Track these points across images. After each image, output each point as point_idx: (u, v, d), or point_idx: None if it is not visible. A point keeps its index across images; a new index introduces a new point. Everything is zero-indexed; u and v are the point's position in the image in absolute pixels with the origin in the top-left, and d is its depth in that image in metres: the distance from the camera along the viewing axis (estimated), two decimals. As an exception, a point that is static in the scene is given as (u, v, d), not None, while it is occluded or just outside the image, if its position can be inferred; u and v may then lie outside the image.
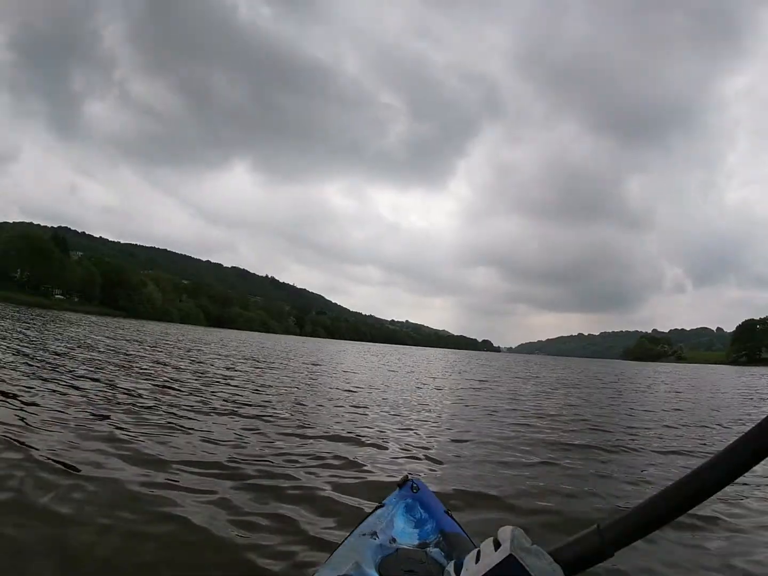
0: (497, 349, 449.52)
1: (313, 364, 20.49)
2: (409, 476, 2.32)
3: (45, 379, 7.88)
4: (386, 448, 5.81)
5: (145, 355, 15.66)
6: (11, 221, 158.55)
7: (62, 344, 15.24)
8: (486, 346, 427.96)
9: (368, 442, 6.03)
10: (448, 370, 26.18)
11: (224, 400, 8.04)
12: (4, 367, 8.56)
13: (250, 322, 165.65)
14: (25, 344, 13.53)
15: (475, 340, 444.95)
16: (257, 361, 18.62)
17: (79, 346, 15.28)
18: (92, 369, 10.16)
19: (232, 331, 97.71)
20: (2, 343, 12.84)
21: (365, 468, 4.87)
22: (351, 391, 11.73)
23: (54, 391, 7.04)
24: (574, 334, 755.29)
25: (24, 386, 7.07)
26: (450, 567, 0.86)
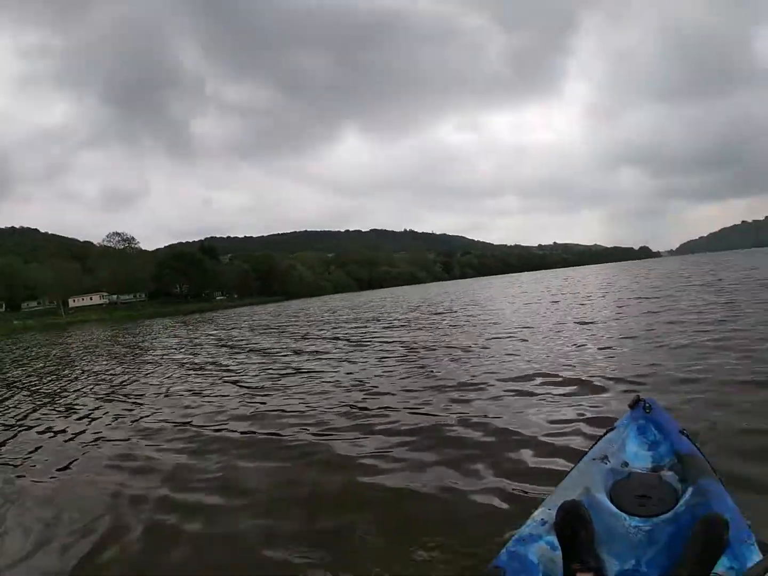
0: (657, 255, 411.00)
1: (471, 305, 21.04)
2: (641, 396, 2.29)
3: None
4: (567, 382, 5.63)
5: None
6: (163, 246, 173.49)
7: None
8: (644, 253, 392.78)
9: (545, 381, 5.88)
10: (600, 292, 22.23)
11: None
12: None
13: (399, 278, 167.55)
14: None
15: (631, 248, 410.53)
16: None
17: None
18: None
19: (384, 290, 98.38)
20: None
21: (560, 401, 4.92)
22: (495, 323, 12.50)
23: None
24: (737, 223, 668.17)
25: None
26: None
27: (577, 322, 10.89)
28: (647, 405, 2.18)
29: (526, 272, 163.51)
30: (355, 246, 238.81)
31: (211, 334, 18.88)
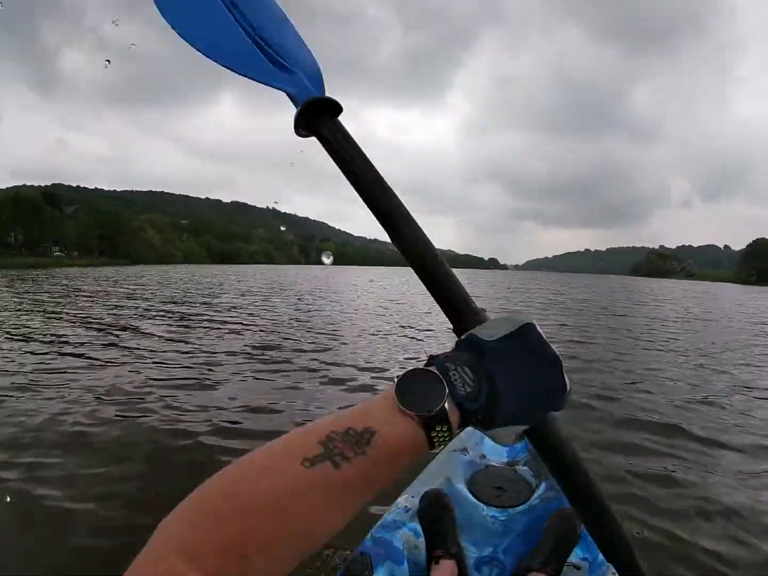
0: (504, 267, 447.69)
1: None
2: None
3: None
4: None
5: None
6: (3, 187, 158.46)
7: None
8: (492, 264, 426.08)
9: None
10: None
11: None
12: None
13: (254, 256, 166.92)
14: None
15: (482, 258, 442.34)
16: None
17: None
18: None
19: (235, 266, 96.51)
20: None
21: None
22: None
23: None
24: (581, 250, 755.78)
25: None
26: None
27: (413, 336, 10.01)
28: None
29: (383, 267, 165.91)
30: (213, 216, 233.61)
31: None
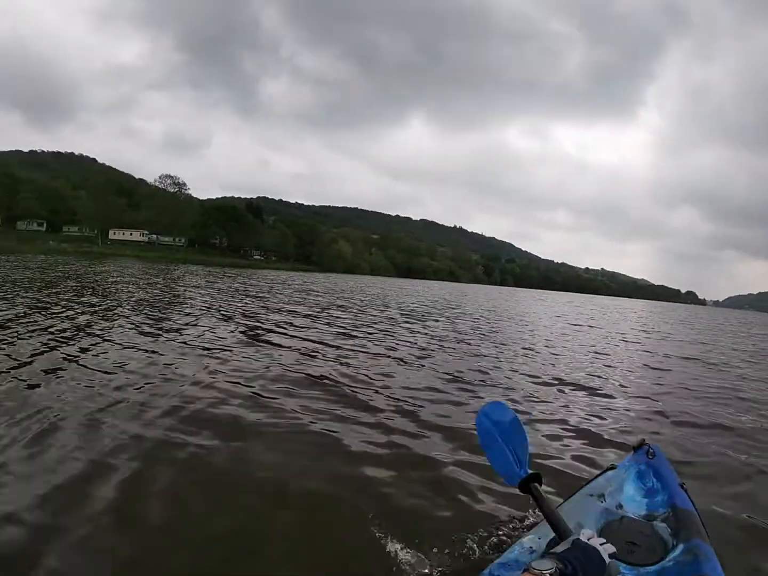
0: (702, 302, 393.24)
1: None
2: (646, 440, 2.24)
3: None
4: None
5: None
6: (214, 197, 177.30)
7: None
8: (690, 297, 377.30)
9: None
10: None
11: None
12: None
13: (438, 272, 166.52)
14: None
15: (678, 290, 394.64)
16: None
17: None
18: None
19: (418, 281, 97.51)
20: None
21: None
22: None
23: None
24: None
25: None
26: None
27: (561, 390, 6.37)
28: (650, 450, 2.14)
29: (569, 292, 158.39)
30: (403, 232, 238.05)
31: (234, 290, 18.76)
